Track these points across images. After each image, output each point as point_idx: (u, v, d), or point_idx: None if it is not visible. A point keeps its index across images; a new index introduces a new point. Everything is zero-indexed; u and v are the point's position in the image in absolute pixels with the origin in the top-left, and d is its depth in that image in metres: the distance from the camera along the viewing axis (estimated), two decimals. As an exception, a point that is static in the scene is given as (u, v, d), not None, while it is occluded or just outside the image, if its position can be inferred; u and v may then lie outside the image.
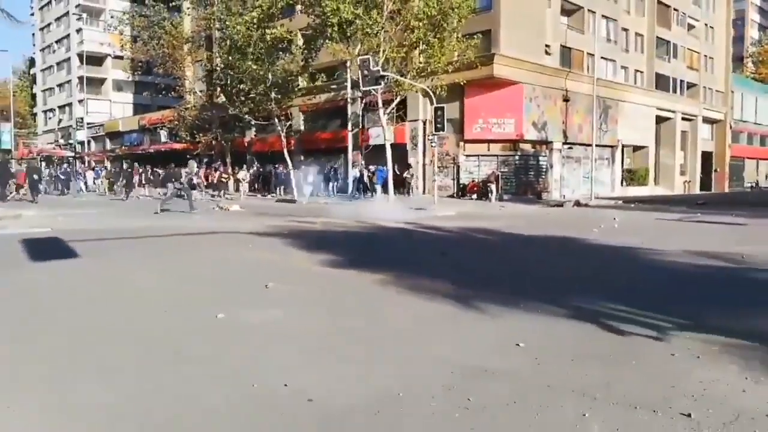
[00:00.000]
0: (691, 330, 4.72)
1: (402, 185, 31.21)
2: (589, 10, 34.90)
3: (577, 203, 28.41)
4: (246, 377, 3.74)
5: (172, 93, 36.32)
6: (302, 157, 38.15)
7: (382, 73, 23.32)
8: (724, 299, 6.37)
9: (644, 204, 27.95)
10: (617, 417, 3.15)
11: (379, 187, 27.70)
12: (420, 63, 26.23)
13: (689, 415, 3.15)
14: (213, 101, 36.07)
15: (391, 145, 33.51)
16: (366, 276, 6.91)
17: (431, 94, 25.55)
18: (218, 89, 35.27)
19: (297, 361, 4.10)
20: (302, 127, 38.53)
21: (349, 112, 27.55)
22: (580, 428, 3.04)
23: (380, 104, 26.23)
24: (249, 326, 4.98)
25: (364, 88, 23.82)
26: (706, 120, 47.13)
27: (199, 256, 9.42)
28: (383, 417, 3.15)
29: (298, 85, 31.27)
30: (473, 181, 30.84)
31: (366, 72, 22.58)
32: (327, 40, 25.92)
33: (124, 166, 37.78)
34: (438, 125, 25.49)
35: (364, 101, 28.20)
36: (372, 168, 29.45)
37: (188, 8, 35.80)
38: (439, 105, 25.30)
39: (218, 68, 33.79)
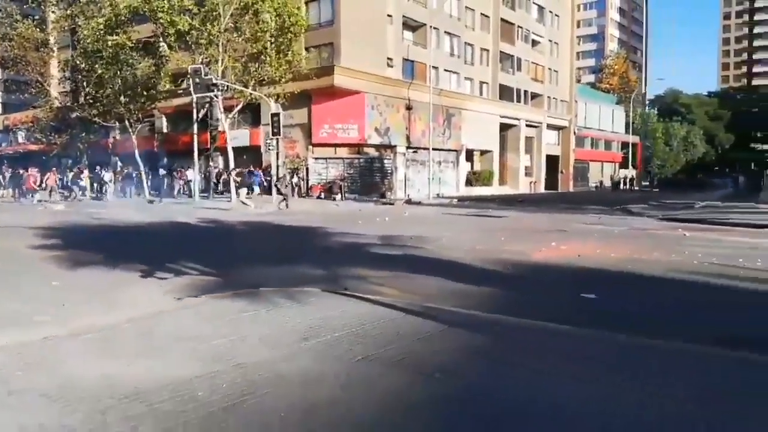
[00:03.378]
0: (206, 275, 7.17)
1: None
2: (432, 27, 38.37)
3: (409, 201, 31.58)
4: None
5: (25, 95, 36.30)
6: (165, 159, 39.30)
7: (214, 81, 25.19)
8: (299, 259, 8.92)
9: (469, 202, 31.54)
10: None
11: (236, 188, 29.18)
12: (259, 73, 28.31)
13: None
14: (74, 103, 36.37)
15: (248, 147, 35.62)
16: (48, 253, 8.93)
17: (268, 101, 27.78)
18: (79, 91, 35.68)
19: None
20: (165, 129, 39.67)
21: (195, 116, 29.20)
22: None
23: (221, 109, 28.12)
24: None
25: (196, 95, 25.57)
26: (551, 126, 52.41)
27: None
28: None
29: (158, 87, 32.37)
30: (319, 183, 33.33)
31: (198, 80, 24.38)
32: (168, 48, 27.47)
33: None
34: (275, 130, 27.70)
35: (209, 106, 29.83)
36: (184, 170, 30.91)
37: (47, 9, 35.90)
38: (275, 112, 27.51)
39: (77, 70, 34.30)
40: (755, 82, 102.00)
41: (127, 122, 31.33)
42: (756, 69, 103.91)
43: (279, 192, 24.01)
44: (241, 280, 6.85)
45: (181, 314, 4.92)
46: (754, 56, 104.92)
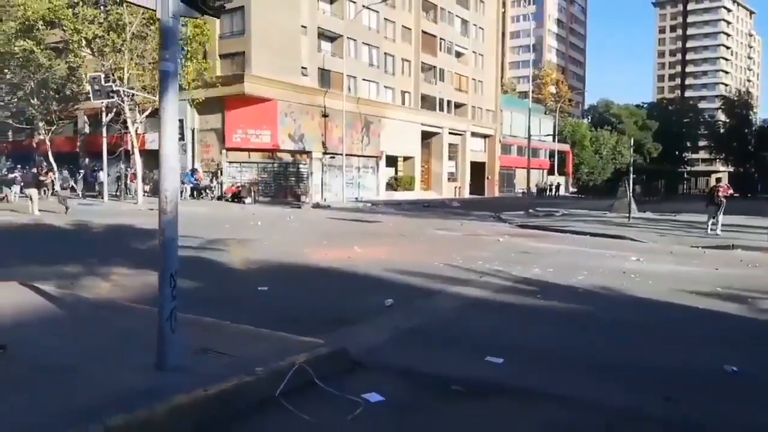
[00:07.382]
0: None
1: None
2: (349, 38, 40.07)
3: (317, 205, 33.07)
4: None
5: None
6: (87, 159, 39.98)
7: (114, 88, 26.20)
8: (80, 259, 10.24)
9: (380, 206, 33.20)
10: None
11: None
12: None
13: None
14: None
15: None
16: None
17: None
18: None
19: None
20: (87, 130, 40.30)
21: (103, 120, 30.14)
22: None
23: (127, 114, 29.10)
24: None
25: (95, 101, 26.59)
26: (476, 134, 54.73)
27: None
28: None
29: (74, 89, 33.04)
30: (231, 185, 34.61)
31: (96, 87, 25.33)
32: (74, 55, 28.44)
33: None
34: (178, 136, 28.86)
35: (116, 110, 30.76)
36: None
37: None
38: (179, 117, 28.70)
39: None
40: (687, 93, 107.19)
41: (40, 123, 32.08)
42: (688, 81, 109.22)
43: (54, 194, 23.73)
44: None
45: None
46: (687, 69, 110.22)
